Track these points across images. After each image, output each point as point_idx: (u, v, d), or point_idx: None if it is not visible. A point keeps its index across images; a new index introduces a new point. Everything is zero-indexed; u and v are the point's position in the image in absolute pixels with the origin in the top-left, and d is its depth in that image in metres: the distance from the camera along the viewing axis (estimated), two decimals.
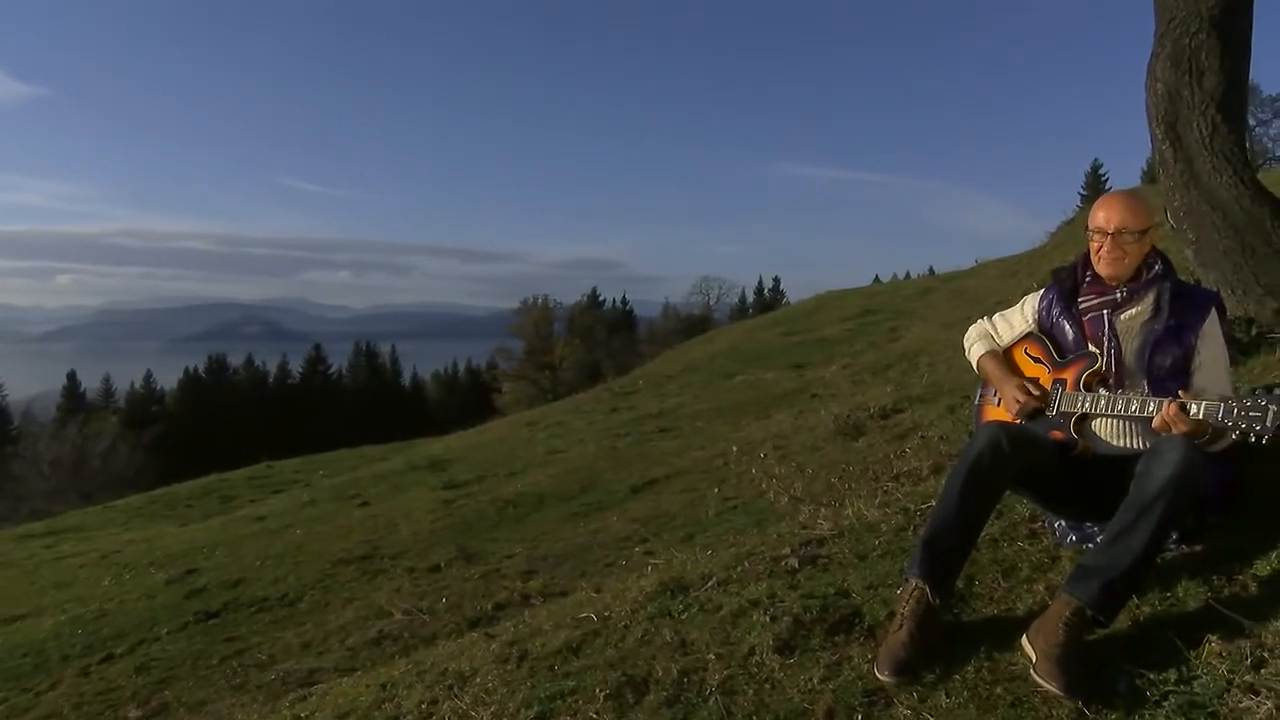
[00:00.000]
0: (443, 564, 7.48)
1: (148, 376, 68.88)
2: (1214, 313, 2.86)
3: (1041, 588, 2.79)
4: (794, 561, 3.34)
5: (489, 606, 5.77)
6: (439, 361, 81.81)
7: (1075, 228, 15.30)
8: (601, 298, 72.43)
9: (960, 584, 2.80)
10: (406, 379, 77.85)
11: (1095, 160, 59.42)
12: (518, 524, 8.47)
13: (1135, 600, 2.55)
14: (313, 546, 9.46)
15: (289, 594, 7.78)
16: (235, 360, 71.06)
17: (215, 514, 15.05)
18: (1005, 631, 2.58)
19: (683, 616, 3.14)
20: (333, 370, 73.08)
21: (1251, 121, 43.84)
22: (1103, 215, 2.89)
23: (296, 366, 71.86)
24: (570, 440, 12.58)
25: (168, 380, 69.45)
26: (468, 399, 63.46)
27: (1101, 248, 2.88)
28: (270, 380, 70.23)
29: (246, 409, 62.97)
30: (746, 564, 3.46)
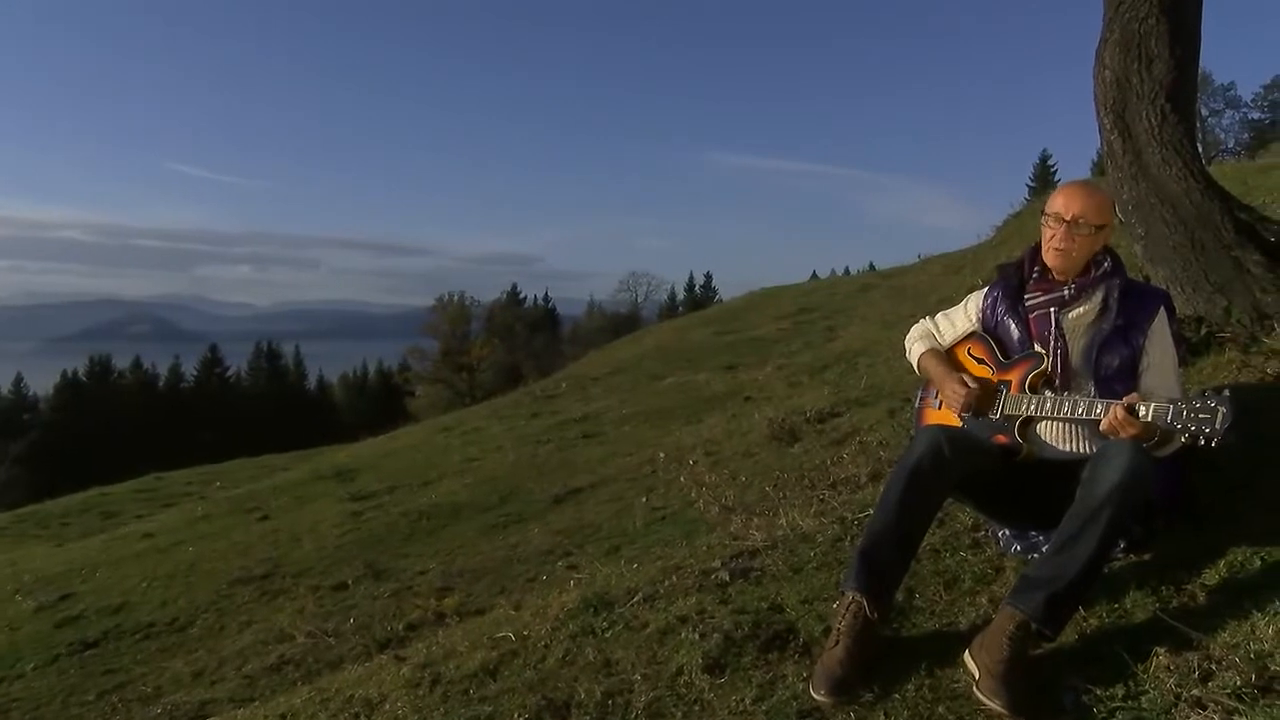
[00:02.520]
0: (350, 582, 7.39)
1: (18, 380, 66.35)
2: (1163, 311, 2.92)
3: (985, 600, 2.82)
4: (725, 575, 3.34)
5: (400, 627, 5.72)
6: (347, 363, 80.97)
7: (1023, 221, 15.68)
8: (522, 294, 72.32)
9: (900, 597, 2.81)
10: (312, 382, 76.75)
11: (1044, 151, 61.02)
12: (431, 537, 8.37)
13: (1082, 612, 2.58)
14: (206, 565, 9.24)
15: (179, 618, 7.58)
16: (121, 362, 68.97)
17: (95, 532, 14.58)
18: (947, 647, 2.60)
19: (607, 635, 3.12)
20: (230, 373, 71.48)
21: (1204, 112, 45.47)
22: (1062, 201, 2.92)
23: (190, 369, 70.07)
24: (488, 447, 12.47)
25: (41, 384, 66.91)
26: (378, 403, 62.70)
27: (1054, 235, 2.91)
28: (160, 384, 68.36)
29: (133, 416, 61.10)
30: (674, 578, 3.46)
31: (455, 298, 60.57)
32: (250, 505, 12.41)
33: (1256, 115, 50.11)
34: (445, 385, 56.40)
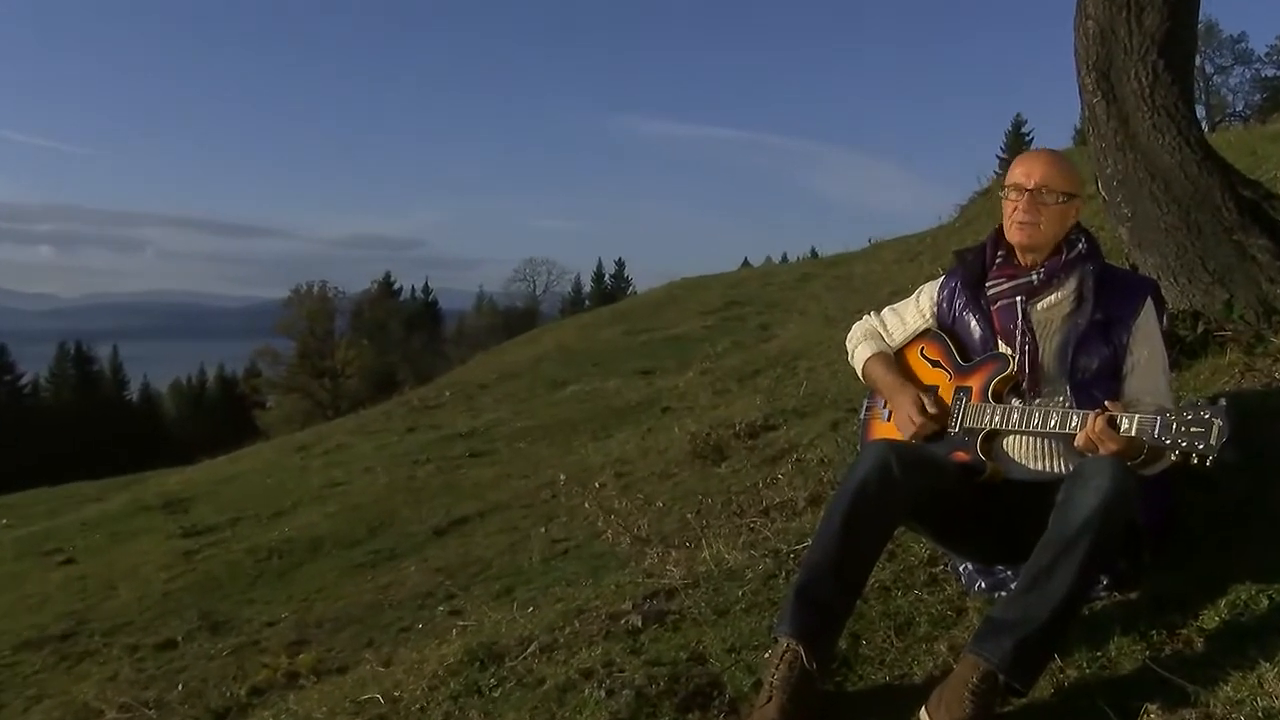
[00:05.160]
0: (180, 638, 7.27)
1: None
2: (1149, 304, 2.97)
3: (944, 647, 2.84)
4: (637, 619, 3.36)
5: (242, 692, 5.64)
6: (180, 367, 79.59)
7: (991, 199, 16.08)
8: (396, 285, 71.68)
9: (843, 644, 2.83)
10: (134, 391, 75.11)
11: (1018, 116, 61.85)
12: (283, 580, 8.33)
13: (1058, 661, 2.61)
14: None
15: None
16: None
17: None
18: (900, 702, 2.62)
19: (495, 694, 3.11)
20: (25, 381, 69.24)
21: (1208, 69, 46.44)
22: (1021, 170, 2.97)
23: None
24: (355, 469, 12.47)
25: None
26: (219, 417, 61.84)
27: (1016, 208, 2.96)
28: None
29: None
30: (577, 623, 3.47)
31: (315, 288, 59.94)
32: (48, 546, 12.12)
33: (1271, 72, 50.90)
34: (303, 394, 55.91)
